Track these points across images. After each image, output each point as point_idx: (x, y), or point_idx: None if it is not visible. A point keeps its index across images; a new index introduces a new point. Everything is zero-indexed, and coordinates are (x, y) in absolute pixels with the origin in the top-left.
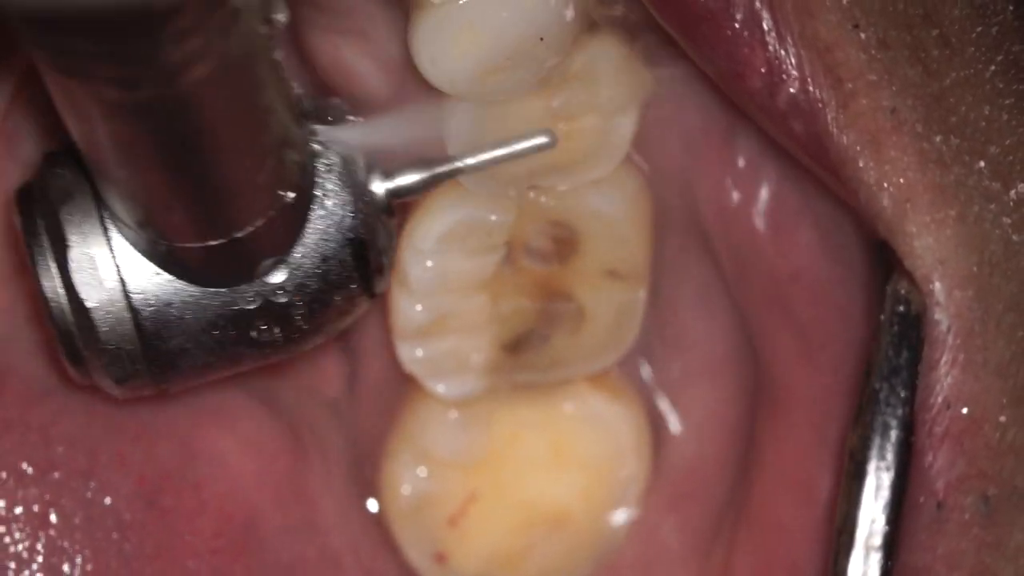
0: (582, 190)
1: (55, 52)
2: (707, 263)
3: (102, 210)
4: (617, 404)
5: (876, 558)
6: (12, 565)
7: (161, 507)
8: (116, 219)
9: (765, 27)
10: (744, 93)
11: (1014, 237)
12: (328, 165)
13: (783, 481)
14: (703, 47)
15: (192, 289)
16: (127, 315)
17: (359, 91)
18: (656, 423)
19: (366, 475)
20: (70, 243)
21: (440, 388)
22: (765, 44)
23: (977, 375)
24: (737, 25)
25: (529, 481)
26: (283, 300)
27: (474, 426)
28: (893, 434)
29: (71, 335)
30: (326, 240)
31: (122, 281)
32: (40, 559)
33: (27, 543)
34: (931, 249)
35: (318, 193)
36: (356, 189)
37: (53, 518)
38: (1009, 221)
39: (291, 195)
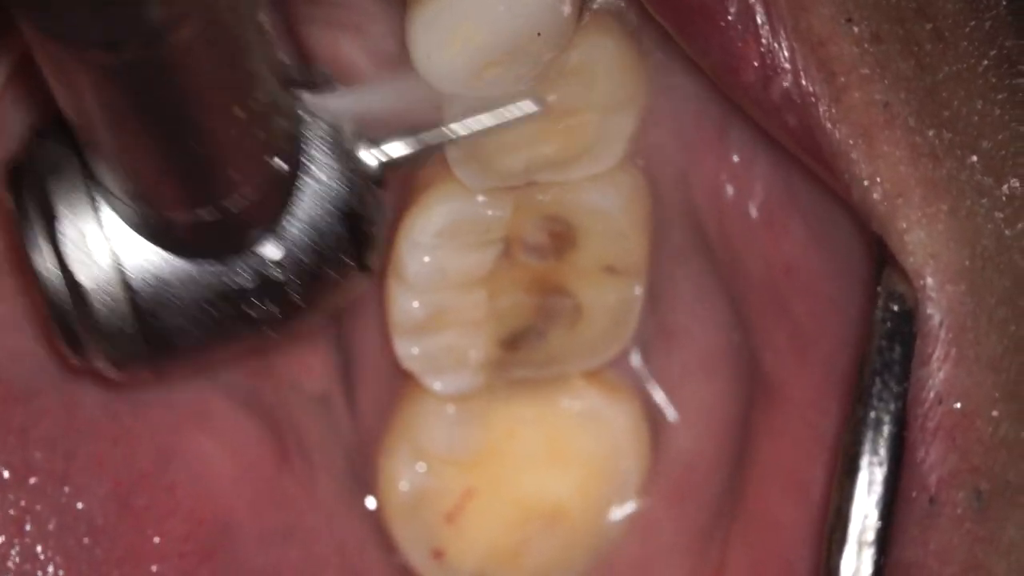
0: (579, 186)
1: (41, 14)
2: (703, 258)
3: (91, 185)
4: (614, 400)
5: (869, 553)
6: None
7: (134, 509)
8: (107, 193)
9: (759, 21)
10: (738, 87)
11: (1006, 232)
12: (316, 133)
13: (778, 476)
14: (697, 41)
15: (184, 263)
16: (121, 292)
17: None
18: (653, 418)
19: (363, 472)
20: (59, 216)
21: (437, 384)
22: (759, 38)
23: (970, 370)
24: (731, 19)
25: (526, 477)
26: (276, 272)
27: (471, 422)
28: (886, 429)
29: (66, 314)
30: (317, 210)
31: (114, 255)
32: (12, 566)
33: (2, 550)
34: (923, 243)
35: (306, 162)
36: (345, 158)
37: (28, 526)
38: (1001, 216)
39: (280, 162)
